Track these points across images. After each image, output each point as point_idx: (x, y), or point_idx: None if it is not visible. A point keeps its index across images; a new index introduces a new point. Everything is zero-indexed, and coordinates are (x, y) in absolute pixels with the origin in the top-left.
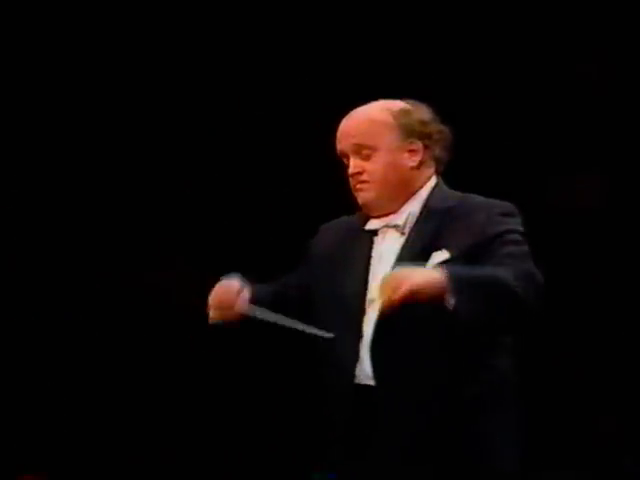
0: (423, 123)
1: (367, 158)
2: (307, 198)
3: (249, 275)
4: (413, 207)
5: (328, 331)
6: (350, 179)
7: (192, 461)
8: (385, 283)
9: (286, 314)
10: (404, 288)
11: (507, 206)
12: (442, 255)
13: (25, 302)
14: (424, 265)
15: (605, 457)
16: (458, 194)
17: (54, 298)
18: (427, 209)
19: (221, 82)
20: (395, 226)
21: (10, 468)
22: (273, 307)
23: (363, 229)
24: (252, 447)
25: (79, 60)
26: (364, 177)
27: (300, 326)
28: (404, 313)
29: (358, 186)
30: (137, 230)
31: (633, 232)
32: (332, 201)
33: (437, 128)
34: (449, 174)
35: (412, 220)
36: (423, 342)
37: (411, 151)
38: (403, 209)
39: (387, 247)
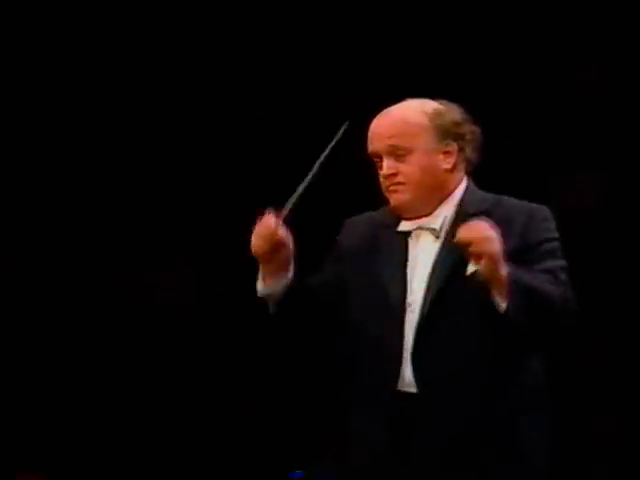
0: (457, 124)
1: (402, 160)
2: (307, 199)
3: (251, 275)
4: (448, 210)
5: (368, 336)
6: (383, 180)
7: (191, 461)
8: (480, 230)
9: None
10: (491, 248)
11: (544, 210)
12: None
13: (24, 302)
14: (464, 271)
15: (604, 457)
16: (491, 196)
17: (53, 298)
18: (462, 212)
19: (220, 82)
20: (431, 229)
21: (9, 467)
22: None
23: (396, 229)
24: (254, 447)
25: (79, 60)
26: (399, 179)
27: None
28: (444, 318)
29: (392, 187)
30: (136, 230)
31: (632, 232)
32: (335, 202)
33: (470, 129)
34: None
35: (448, 224)
36: (464, 346)
37: (446, 153)
38: (437, 212)
39: (423, 250)
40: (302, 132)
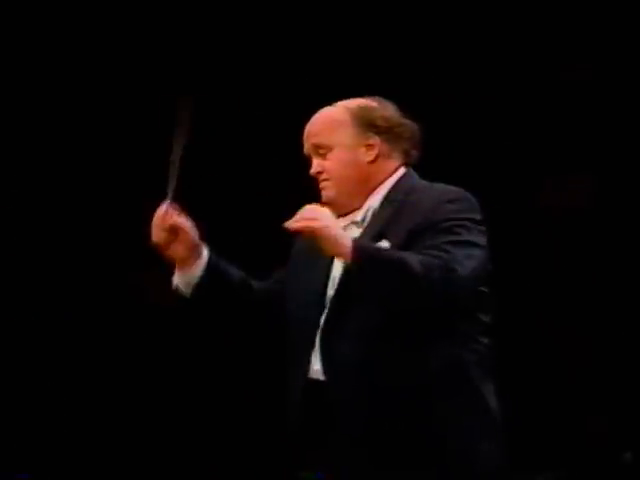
0: (383, 118)
1: (325, 157)
2: (297, 199)
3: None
4: (374, 201)
5: (293, 327)
6: (314, 179)
7: (187, 461)
8: (310, 210)
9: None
10: (316, 225)
11: (454, 192)
12: (382, 245)
13: (15, 304)
14: None
15: (596, 457)
16: (423, 185)
17: (49, 299)
18: (386, 201)
19: (212, 83)
20: (354, 222)
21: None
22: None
23: None
24: (246, 446)
25: (75, 60)
26: (324, 176)
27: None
28: (349, 307)
29: (321, 185)
30: (122, 230)
31: (623, 232)
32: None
33: (399, 122)
34: (441, 174)
35: (371, 214)
36: (368, 335)
37: (368, 146)
38: (365, 205)
39: None
40: (294, 132)
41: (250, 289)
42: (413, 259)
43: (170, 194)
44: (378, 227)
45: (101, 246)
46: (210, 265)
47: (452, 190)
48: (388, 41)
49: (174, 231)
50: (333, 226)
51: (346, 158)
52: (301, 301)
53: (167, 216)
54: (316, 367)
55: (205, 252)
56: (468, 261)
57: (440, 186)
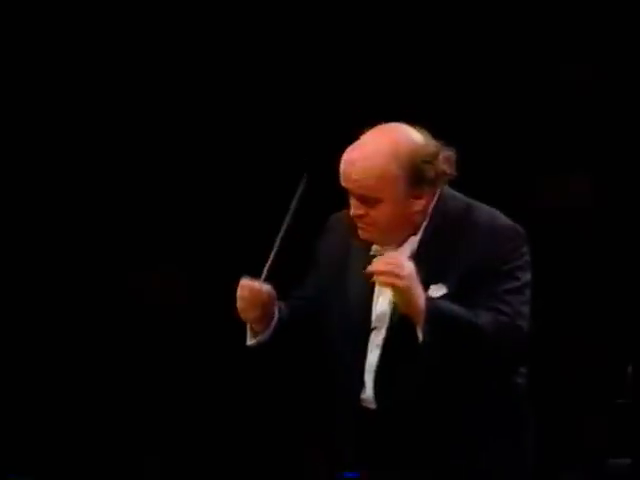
0: (430, 166)
1: (371, 206)
2: (288, 200)
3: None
4: (419, 234)
5: (338, 352)
6: (351, 214)
7: (186, 461)
8: (394, 260)
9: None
10: (400, 285)
11: (509, 230)
12: (439, 290)
13: (13, 304)
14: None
15: (592, 457)
16: (460, 209)
17: (42, 299)
18: (430, 232)
19: (201, 87)
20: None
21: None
22: (293, 323)
23: (367, 250)
24: (246, 446)
25: (67, 58)
26: (366, 220)
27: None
28: (407, 340)
29: (359, 224)
30: (123, 231)
31: (620, 231)
32: (314, 203)
33: (443, 165)
34: None
35: (414, 246)
36: (425, 368)
37: (417, 197)
38: (410, 240)
39: None
40: (283, 134)
41: (308, 320)
42: (484, 323)
43: (266, 272)
44: (431, 267)
45: (100, 246)
46: (281, 326)
47: (507, 227)
48: (385, 41)
49: (265, 306)
50: (414, 286)
51: (394, 211)
52: (343, 326)
53: (261, 293)
54: (369, 397)
55: (276, 314)
56: (525, 308)
57: (489, 219)
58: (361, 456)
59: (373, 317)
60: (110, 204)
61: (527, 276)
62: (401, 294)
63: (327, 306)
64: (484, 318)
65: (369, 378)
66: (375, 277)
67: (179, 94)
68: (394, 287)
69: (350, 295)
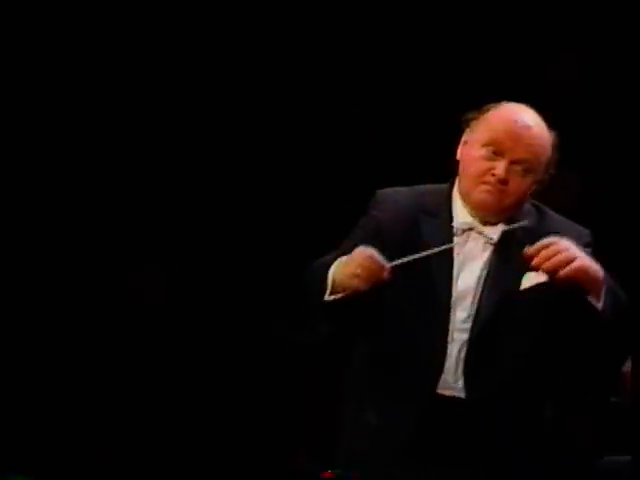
0: (552, 158)
1: (517, 172)
2: (275, 201)
3: (221, 276)
4: (507, 223)
5: (409, 334)
6: (485, 173)
7: (185, 461)
8: (553, 250)
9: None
10: (576, 264)
11: (588, 235)
12: (537, 277)
13: (9, 304)
14: (519, 283)
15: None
16: (531, 207)
17: (43, 300)
18: (519, 226)
19: (214, 83)
20: (487, 237)
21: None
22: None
23: (448, 223)
24: (244, 447)
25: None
26: (504, 187)
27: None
28: (497, 329)
29: (490, 187)
30: (110, 231)
31: (606, 232)
32: (299, 206)
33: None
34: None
35: (501, 235)
36: (513, 359)
37: (539, 182)
38: (499, 226)
39: (472, 253)
40: (275, 138)
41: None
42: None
43: (398, 263)
44: (520, 255)
45: (97, 246)
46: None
47: (585, 232)
48: (371, 42)
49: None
50: (585, 258)
51: (530, 187)
52: (417, 307)
53: (381, 272)
54: (448, 383)
55: None
56: None
57: (563, 220)
58: (423, 441)
59: (454, 294)
60: (95, 205)
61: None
62: (584, 272)
63: (396, 282)
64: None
65: (450, 363)
66: (546, 271)
67: (162, 96)
68: (575, 272)
69: (427, 269)
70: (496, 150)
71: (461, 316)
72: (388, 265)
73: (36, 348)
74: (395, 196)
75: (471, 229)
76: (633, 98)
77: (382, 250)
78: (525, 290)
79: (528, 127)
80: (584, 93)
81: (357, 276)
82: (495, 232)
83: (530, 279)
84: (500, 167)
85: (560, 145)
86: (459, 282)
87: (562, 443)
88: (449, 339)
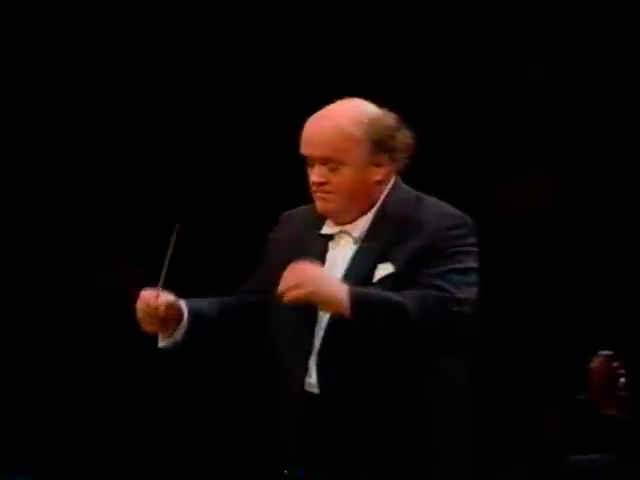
0: (391, 136)
1: (333, 170)
2: (254, 200)
3: (199, 275)
4: (371, 216)
5: (283, 336)
6: (312, 184)
7: (184, 461)
8: (292, 274)
9: (225, 322)
10: (303, 292)
11: (457, 218)
12: (387, 268)
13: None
14: (372, 275)
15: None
16: (412, 198)
17: (28, 302)
18: (381, 215)
19: (210, 84)
20: (352, 237)
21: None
22: (211, 317)
23: (319, 231)
24: (240, 447)
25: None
26: (327, 188)
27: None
28: (351, 324)
29: (319, 194)
30: (87, 231)
31: (582, 231)
32: (277, 200)
33: (403, 136)
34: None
35: (367, 230)
36: (369, 351)
37: (378, 165)
38: (362, 219)
39: (340, 254)
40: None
41: (232, 314)
42: (411, 298)
43: (161, 281)
44: (380, 247)
45: (73, 246)
46: (191, 325)
47: (454, 215)
48: (356, 39)
49: (165, 316)
50: (320, 286)
51: (355, 177)
52: (290, 310)
53: (157, 304)
54: (312, 381)
55: (185, 313)
56: (468, 287)
57: (438, 207)
58: (304, 445)
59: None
60: (73, 206)
61: (473, 263)
62: (313, 300)
63: (272, 293)
64: (413, 294)
65: (313, 362)
66: (285, 298)
67: (148, 100)
68: (303, 297)
69: None
70: (306, 158)
71: (325, 314)
72: (159, 288)
73: (36, 348)
74: (291, 215)
75: (342, 232)
76: (611, 99)
77: (271, 269)
78: (377, 282)
79: (318, 121)
80: (555, 93)
81: (141, 320)
82: (358, 230)
83: (379, 271)
84: (313, 173)
85: (532, 145)
86: None
87: (531, 442)
88: (315, 337)
